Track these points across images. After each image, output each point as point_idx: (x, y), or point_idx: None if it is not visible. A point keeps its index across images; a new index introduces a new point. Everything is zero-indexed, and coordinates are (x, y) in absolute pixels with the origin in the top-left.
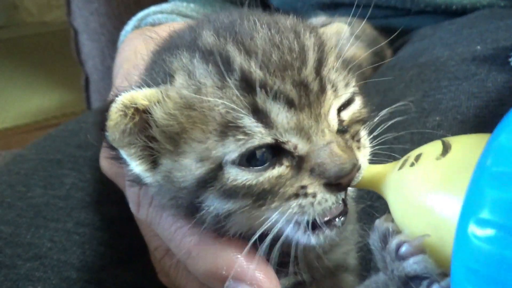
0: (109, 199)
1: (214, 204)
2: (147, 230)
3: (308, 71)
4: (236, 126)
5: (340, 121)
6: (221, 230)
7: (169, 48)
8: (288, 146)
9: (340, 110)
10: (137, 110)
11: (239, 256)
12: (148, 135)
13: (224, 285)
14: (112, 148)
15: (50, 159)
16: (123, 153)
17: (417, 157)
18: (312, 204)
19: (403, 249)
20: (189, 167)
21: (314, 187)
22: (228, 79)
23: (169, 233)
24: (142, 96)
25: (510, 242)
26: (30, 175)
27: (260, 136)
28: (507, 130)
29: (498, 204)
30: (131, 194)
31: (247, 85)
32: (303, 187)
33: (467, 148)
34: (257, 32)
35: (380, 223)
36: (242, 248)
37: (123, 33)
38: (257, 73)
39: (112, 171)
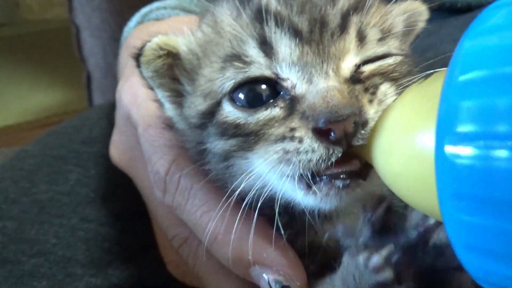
0: (113, 195)
1: (213, 142)
2: (165, 218)
3: (333, 11)
4: (239, 56)
5: (358, 72)
6: (228, 181)
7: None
8: (286, 84)
9: (364, 63)
10: (168, 54)
11: (265, 241)
12: (175, 78)
13: (249, 270)
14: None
15: (54, 155)
16: (158, 94)
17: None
18: (297, 151)
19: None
20: (195, 103)
21: (301, 130)
22: (242, 10)
23: (195, 218)
24: (174, 40)
25: (493, 148)
26: (34, 171)
27: (259, 66)
28: (469, 36)
29: (472, 113)
30: (157, 180)
31: (261, 16)
32: (292, 129)
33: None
34: None
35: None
36: (269, 234)
37: (126, 29)
38: (273, 5)
39: (124, 160)
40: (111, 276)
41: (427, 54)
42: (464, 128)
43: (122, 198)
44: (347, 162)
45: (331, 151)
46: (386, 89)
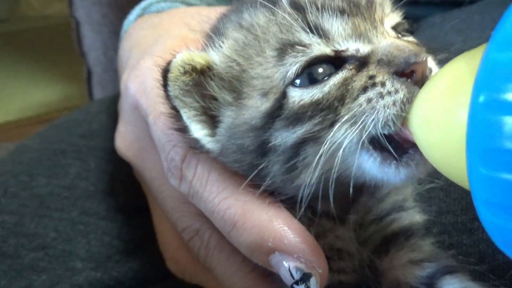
0: (113, 189)
1: (282, 136)
2: (176, 210)
3: None
4: (292, 44)
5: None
6: (290, 180)
7: (215, 26)
8: (349, 52)
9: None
10: (194, 69)
11: (286, 228)
12: (205, 94)
13: (269, 257)
14: (174, 114)
15: (54, 148)
16: (184, 115)
17: None
18: (381, 95)
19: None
20: (254, 106)
21: (381, 75)
22: (276, 9)
23: (212, 205)
24: (199, 56)
25: None
26: (33, 164)
27: (318, 46)
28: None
29: (509, 71)
30: (172, 168)
31: (296, 7)
32: (371, 77)
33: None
34: None
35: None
36: (290, 220)
37: (126, 22)
38: None
39: (132, 151)
40: (111, 270)
41: (430, 45)
42: (501, 85)
43: (122, 192)
44: None
45: (411, 92)
46: None
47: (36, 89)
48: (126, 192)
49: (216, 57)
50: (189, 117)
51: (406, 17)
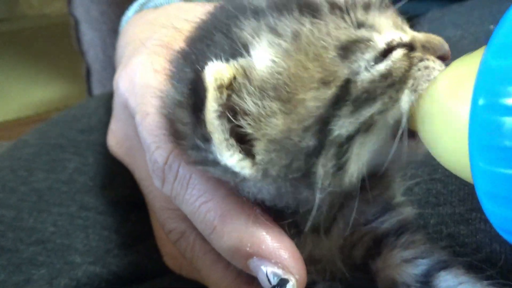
0: (112, 184)
1: (343, 125)
2: (162, 212)
3: None
4: (354, 41)
5: None
6: (339, 178)
7: (215, 26)
8: (397, 41)
9: None
10: (224, 84)
11: (264, 233)
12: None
13: (247, 261)
14: (199, 145)
15: (53, 143)
16: (215, 140)
17: None
18: (434, 68)
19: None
20: (316, 99)
21: (431, 57)
22: (317, 15)
23: (193, 208)
24: (226, 67)
25: None
26: (32, 159)
27: (378, 39)
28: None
29: (508, 71)
30: (155, 169)
31: (337, 7)
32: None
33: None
34: None
35: None
36: (270, 224)
37: (124, 18)
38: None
39: (122, 149)
40: (110, 264)
41: None
42: (500, 85)
43: (121, 186)
44: None
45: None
46: None
47: (36, 88)
48: (125, 186)
49: (258, 64)
50: (219, 142)
51: (405, 12)
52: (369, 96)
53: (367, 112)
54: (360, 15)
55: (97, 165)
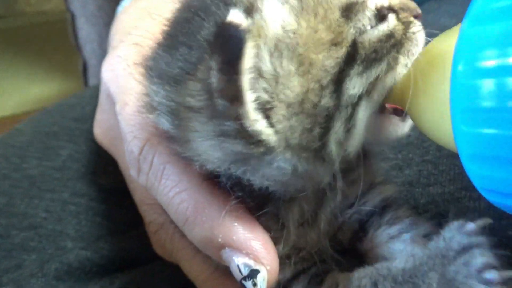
0: (105, 170)
1: (355, 85)
2: (142, 203)
3: None
4: (353, 3)
5: None
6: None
7: None
8: (385, 5)
9: None
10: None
11: (236, 223)
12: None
13: (220, 252)
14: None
15: (46, 131)
16: (247, 100)
17: None
18: (418, 30)
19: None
20: (329, 58)
21: (410, 17)
22: None
23: (167, 199)
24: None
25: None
26: (25, 147)
27: (370, 2)
28: None
29: (486, 38)
30: (131, 160)
31: None
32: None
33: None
34: None
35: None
36: (241, 216)
37: (119, 8)
38: None
39: (107, 139)
40: (102, 249)
41: (426, 29)
42: (476, 50)
43: (114, 174)
44: None
45: None
46: None
47: (33, 84)
48: (117, 174)
49: (271, 23)
50: (251, 103)
51: None
52: (376, 55)
53: (374, 73)
54: None
55: (90, 152)
